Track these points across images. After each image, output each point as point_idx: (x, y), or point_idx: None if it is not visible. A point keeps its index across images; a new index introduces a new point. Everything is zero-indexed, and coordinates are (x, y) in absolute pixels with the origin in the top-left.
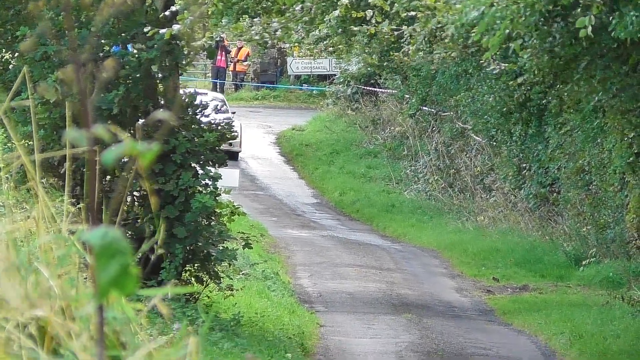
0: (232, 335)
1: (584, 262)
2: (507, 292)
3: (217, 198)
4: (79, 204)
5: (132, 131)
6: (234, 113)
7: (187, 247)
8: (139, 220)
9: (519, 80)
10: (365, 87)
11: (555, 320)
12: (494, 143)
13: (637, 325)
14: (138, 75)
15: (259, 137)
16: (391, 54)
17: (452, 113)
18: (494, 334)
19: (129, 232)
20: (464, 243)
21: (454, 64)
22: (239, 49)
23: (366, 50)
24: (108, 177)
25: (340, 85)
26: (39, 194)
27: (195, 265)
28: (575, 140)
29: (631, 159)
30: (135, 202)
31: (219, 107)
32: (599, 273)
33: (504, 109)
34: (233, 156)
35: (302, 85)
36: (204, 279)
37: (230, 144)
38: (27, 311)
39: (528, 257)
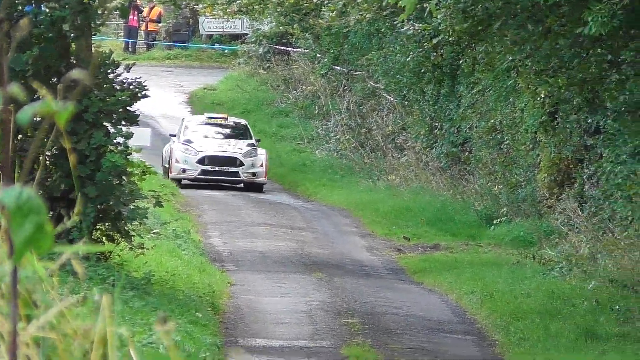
0: (142, 294)
1: (495, 221)
2: (418, 251)
3: (128, 157)
4: None
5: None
6: (258, 141)
7: (98, 206)
8: (49, 180)
9: (434, 41)
10: (277, 47)
11: (466, 279)
12: (406, 102)
13: (547, 285)
14: (51, 35)
15: (170, 96)
16: (311, 20)
17: (363, 72)
18: (405, 293)
19: (41, 192)
20: (375, 202)
21: (367, 24)
22: (151, 8)
23: (278, 10)
24: (20, 137)
25: (252, 45)
26: None
27: (107, 224)
28: (488, 99)
29: (543, 118)
30: (47, 162)
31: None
32: (510, 232)
33: (417, 69)
34: (258, 188)
35: (214, 45)
36: (115, 237)
37: (254, 175)
38: None
39: (439, 216)
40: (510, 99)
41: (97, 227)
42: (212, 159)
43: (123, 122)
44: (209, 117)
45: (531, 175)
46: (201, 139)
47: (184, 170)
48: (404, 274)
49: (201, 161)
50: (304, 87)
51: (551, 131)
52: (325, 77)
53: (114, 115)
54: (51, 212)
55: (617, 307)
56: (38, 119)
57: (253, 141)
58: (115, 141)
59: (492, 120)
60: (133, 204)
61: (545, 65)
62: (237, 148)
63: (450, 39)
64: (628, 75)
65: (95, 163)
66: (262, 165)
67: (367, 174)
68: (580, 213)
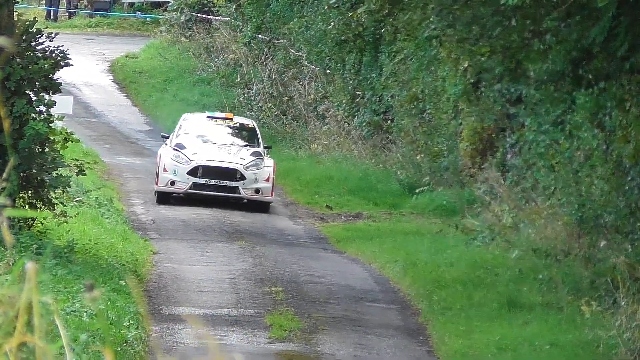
0: (65, 262)
1: (417, 190)
2: (341, 220)
3: (50, 125)
4: None
5: None
6: (268, 148)
7: (21, 174)
8: None
9: (359, 11)
10: (198, 15)
11: (389, 248)
12: (328, 71)
13: (470, 254)
14: None
15: (92, 64)
16: None
17: (285, 41)
18: (328, 261)
19: None
20: (297, 171)
21: None
22: None
23: None
24: None
25: (174, 13)
26: None
27: (29, 192)
28: (409, 68)
29: (465, 87)
30: None
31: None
32: (432, 201)
33: (339, 38)
34: (263, 207)
35: (135, 13)
36: (38, 205)
37: (258, 191)
38: None
39: (361, 185)
40: (432, 68)
41: (20, 195)
42: (207, 170)
43: (45, 91)
44: (210, 117)
45: (453, 144)
46: (196, 144)
47: (172, 183)
48: (326, 243)
49: (193, 172)
50: (226, 56)
51: (474, 100)
52: (247, 45)
53: (37, 84)
54: None
55: (540, 276)
56: None
57: (260, 149)
58: (37, 109)
59: (413, 89)
60: (56, 172)
61: (466, 34)
62: (238, 157)
63: (373, 7)
64: (550, 44)
65: (17, 131)
66: (267, 180)
67: (289, 142)
68: (502, 182)
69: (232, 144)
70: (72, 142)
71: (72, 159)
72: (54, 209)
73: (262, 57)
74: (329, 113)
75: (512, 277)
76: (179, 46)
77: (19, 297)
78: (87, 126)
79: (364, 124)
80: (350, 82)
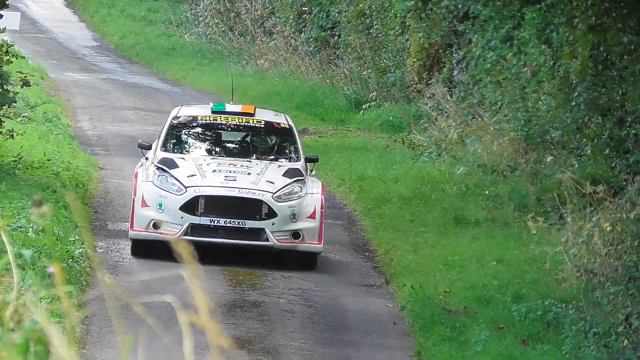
0: (12, 178)
1: (364, 106)
2: None
3: None
4: None
5: None
6: (314, 160)
7: None
8: None
9: None
10: None
11: (336, 163)
12: None
13: (417, 169)
14: None
15: None
16: None
17: None
18: None
19: None
20: (244, 86)
21: None
22: None
23: None
24: None
25: None
26: None
27: None
28: None
29: (416, 3)
30: None
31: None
32: (379, 117)
33: None
34: (306, 260)
35: None
36: None
37: (298, 235)
38: None
39: (308, 101)
40: None
41: None
42: (213, 202)
43: None
44: (217, 112)
45: (400, 60)
46: (194, 160)
47: (155, 225)
48: None
49: (190, 206)
50: None
51: (424, 17)
52: None
53: None
54: None
55: (487, 192)
56: None
57: (300, 164)
58: None
59: (361, 5)
60: (1, 88)
61: None
62: (264, 181)
63: None
64: None
65: None
66: (313, 216)
67: (236, 58)
68: (449, 98)
69: (254, 158)
70: (16, 57)
71: (17, 72)
72: (1, 126)
73: None
74: (276, 29)
75: (458, 193)
76: None
77: None
78: (35, 42)
79: (311, 39)
80: None
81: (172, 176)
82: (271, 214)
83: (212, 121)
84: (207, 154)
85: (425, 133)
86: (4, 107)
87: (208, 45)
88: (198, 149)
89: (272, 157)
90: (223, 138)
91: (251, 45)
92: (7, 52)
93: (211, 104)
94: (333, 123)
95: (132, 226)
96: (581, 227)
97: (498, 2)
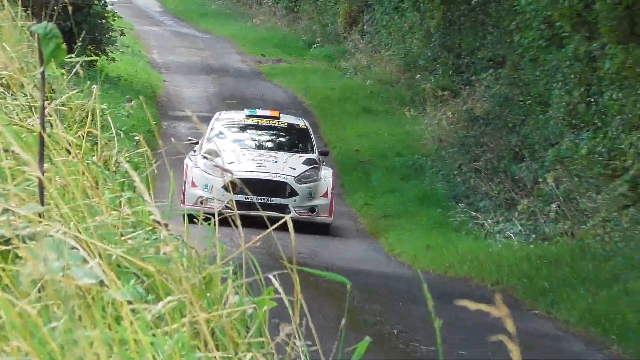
0: (115, 86)
1: (313, 46)
2: (270, 63)
3: (105, 7)
4: (28, 11)
5: None
6: (325, 154)
7: (89, 36)
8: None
9: None
10: None
11: (298, 79)
12: None
13: (343, 82)
14: None
15: None
16: None
17: None
18: (263, 86)
19: (55, 23)
20: (242, 37)
21: None
22: None
23: None
24: None
25: None
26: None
27: (93, 46)
28: None
29: None
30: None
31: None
32: (322, 52)
33: None
34: (321, 229)
35: None
36: (99, 54)
37: (313, 210)
38: None
39: (282, 43)
40: None
41: (88, 47)
42: (248, 183)
43: None
44: (251, 115)
45: (334, 19)
46: (233, 151)
47: (202, 201)
48: (262, 76)
49: (230, 186)
50: None
51: None
52: None
53: None
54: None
55: (382, 95)
56: None
57: (315, 156)
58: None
59: None
60: (108, 35)
61: None
62: (288, 167)
63: None
64: None
65: (87, 12)
66: (325, 195)
67: (241, 18)
68: (361, 41)
69: (279, 150)
70: (117, 18)
71: (118, 27)
72: (107, 56)
73: None
74: (264, 1)
75: (367, 96)
76: None
77: (88, 105)
78: (125, 9)
79: (284, 7)
80: None
81: (217, 164)
82: (293, 193)
83: (246, 122)
84: (242, 148)
85: (347, 62)
86: (110, 45)
87: (225, 9)
88: (236, 143)
89: (293, 150)
90: (255, 135)
91: (250, 9)
92: (112, 16)
93: (245, 110)
94: (296, 56)
95: (183, 202)
96: (435, 115)
97: None
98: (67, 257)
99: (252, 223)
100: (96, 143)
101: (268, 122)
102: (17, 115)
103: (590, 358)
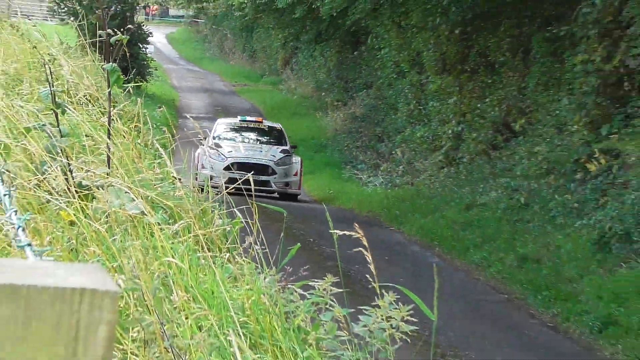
0: (152, 100)
1: (264, 76)
2: (240, 86)
3: (145, 53)
4: (101, 56)
5: None
6: (294, 147)
7: (135, 70)
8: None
9: None
10: None
11: (256, 95)
12: None
13: (280, 97)
14: None
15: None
16: None
17: None
18: (235, 99)
19: (117, 63)
20: (226, 70)
21: None
22: None
23: None
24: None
25: None
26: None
27: (138, 76)
28: None
29: (280, 40)
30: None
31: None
32: (269, 80)
33: None
34: (292, 198)
35: None
36: (141, 81)
37: (287, 184)
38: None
39: (246, 75)
40: None
41: (136, 78)
42: (241, 165)
43: (143, 43)
44: (243, 120)
45: (276, 61)
46: (231, 144)
47: (210, 178)
48: (236, 93)
49: (229, 167)
50: None
51: (287, 42)
52: None
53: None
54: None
55: (303, 104)
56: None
57: (288, 147)
58: (141, 49)
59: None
60: (148, 69)
61: None
62: (269, 155)
63: None
64: None
65: (136, 55)
66: (296, 174)
67: (224, 60)
68: (291, 74)
69: (263, 144)
70: (153, 60)
71: (153, 65)
72: (147, 82)
73: None
74: (230, 48)
75: (294, 105)
76: None
77: (135, 110)
78: (156, 56)
79: (245, 52)
80: None
81: (219, 152)
82: (273, 172)
83: (240, 125)
84: (237, 142)
85: (283, 86)
86: (149, 76)
87: (215, 55)
88: (233, 139)
89: (273, 144)
90: (246, 134)
91: (228, 56)
92: (151, 60)
93: (238, 117)
94: (254, 82)
95: (196, 179)
96: (333, 116)
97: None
98: (122, 198)
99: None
100: (140, 132)
101: (255, 125)
102: (95, 116)
103: (423, 255)
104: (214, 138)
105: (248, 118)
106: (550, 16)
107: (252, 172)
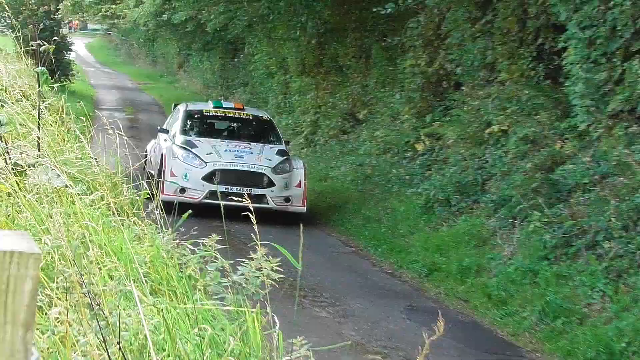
0: (73, 95)
1: (162, 76)
2: (143, 84)
3: (70, 59)
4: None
5: None
6: (287, 143)
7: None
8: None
9: None
10: None
11: (156, 91)
12: None
13: (177, 93)
14: None
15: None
16: None
17: None
18: (141, 94)
19: (45, 67)
20: (133, 72)
21: None
22: None
23: None
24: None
25: None
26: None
27: (65, 77)
28: None
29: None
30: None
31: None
32: (167, 79)
33: None
34: (294, 218)
35: None
36: (66, 80)
37: (288, 200)
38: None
39: (148, 75)
40: None
41: (62, 78)
42: (228, 174)
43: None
44: (217, 107)
45: (173, 63)
46: (208, 142)
47: (182, 190)
48: (140, 90)
49: (209, 177)
50: None
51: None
52: None
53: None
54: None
55: (194, 99)
56: None
57: (284, 146)
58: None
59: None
60: (71, 71)
61: None
62: (263, 159)
63: None
64: None
65: (61, 60)
66: (299, 185)
67: (131, 64)
68: (184, 74)
69: (251, 141)
70: (75, 64)
71: (75, 68)
72: (70, 81)
73: None
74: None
75: (187, 99)
76: None
77: (60, 104)
78: (78, 60)
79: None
80: None
81: (195, 154)
82: (270, 183)
83: (214, 114)
84: (216, 139)
85: (178, 84)
86: (71, 76)
87: (125, 60)
88: (209, 134)
89: (262, 140)
90: (225, 127)
91: (134, 60)
92: (72, 62)
93: (210, 102)
94: (154, 81)
95: (162, 191)
96: None
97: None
98: (49, 174)
99: (235, 211)
100: (63, 121)
101: (234, 113)
102: (27, 109)
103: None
104: (183, 132)
105: (224, 103)
106: (385, 30)
107: (242, 184)
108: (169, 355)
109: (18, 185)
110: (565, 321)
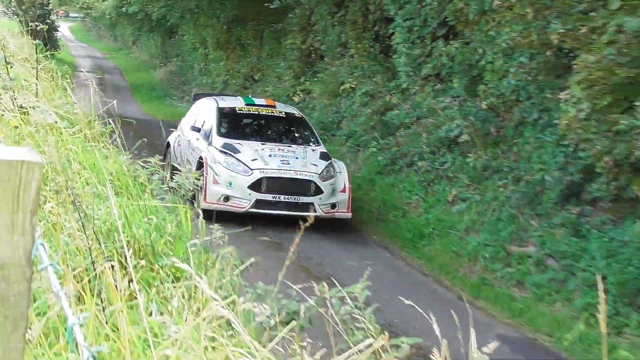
0: (60, 62)
1: (121, 50)
2: (108, 55)
3: (58, 36)
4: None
5: None
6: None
7: (49, 44)
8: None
9: None
10: None
11: (118, 60)
12: None
13: (133, 61)
14: None
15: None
16: None
17: None
18: (106, 61)
19: (40, 41)
20: (102, 46)
21: None
22: None
23: None
24: None
25: None
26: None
27: (54, 48)
28: None
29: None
30: None
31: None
32: (124, 52)
33: None
34: (343, 224)
35: None
36: (55, 51)
37: (335, 206)
38: None
39: (111, 48)
40: None
41: (51, 48)
42: (275, 182)
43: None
44: (249, 104)
45: (129, 40)
46: (249, 145)
47: (227, 198)
48: (106, 59)
49: (256, 185)
50: None
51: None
52: None
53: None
54: None
55: (140, 67)
56: None
57: (323, 147)
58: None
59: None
60: (58, 44)
61: None
62: (309, 164)
63: None
64: None
65: (52, 35)
66: (344, 191)
67: (101, 40)
68: (136, 46)
69: (292, 143)
70: (60, 40)
71: (61, 42)
72: (57, 52)
73: None
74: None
75: (136, 66)
76: None
77: (50, 66)
78: (63, 37)
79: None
80: None
81: (239, 160)
82: (318, 191)
83: (248, 112)
84: (257, 142)
85: (133, 55)
86: (58, 48)
87: (97, 37)
88: (246, 135)
89: (301, 141)
90: (261, 127)
91: (103, 38)
92: (59, 40)
93: (240, 98)
94: (116, 52)
95: (205, 199)
96: (160, 72)
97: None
98: (44, 113)
99: (281, 220)
100: (53, 78)
101: (267, 111)
102: (29, 69)
103: None
104: (220, 133)
105: (256, 100)
106: (273, 19)
107: (288, 192)
108: (127, 236)
109: (22, 121)
110: (394, 214)
